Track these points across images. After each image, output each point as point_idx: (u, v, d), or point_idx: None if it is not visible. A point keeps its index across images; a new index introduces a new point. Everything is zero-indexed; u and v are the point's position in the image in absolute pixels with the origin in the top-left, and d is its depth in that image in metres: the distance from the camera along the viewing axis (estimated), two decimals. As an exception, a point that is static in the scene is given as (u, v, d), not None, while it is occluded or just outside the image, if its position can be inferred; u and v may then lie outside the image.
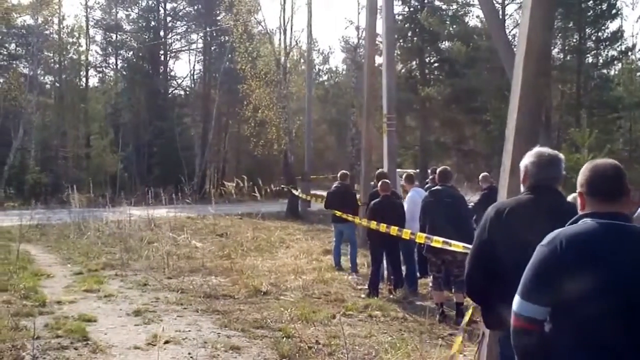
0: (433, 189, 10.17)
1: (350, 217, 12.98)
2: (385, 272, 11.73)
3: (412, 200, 11.42)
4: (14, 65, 45.49)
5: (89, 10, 49.37)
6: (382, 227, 10.46)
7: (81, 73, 48.24)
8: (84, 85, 48.60)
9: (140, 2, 52.00)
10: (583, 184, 2.98)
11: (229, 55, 41.95)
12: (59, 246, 16.81)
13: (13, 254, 14.02)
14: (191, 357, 7.24)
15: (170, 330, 8.21)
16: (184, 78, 56.56)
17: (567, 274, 2.72)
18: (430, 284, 10.01)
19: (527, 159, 3.97)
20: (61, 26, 44.98)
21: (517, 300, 2.86)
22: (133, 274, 12.72)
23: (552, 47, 27.53)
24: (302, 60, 37.71)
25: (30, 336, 7.51)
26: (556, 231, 2.85)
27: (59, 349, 7.34)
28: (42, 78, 47.19)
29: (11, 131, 40.00)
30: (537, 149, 4.00)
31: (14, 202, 32.89)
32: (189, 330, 8.38)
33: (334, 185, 14.49)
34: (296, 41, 34.54)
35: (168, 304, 10.05)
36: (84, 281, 11.70)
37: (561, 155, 3.94)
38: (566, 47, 35.11)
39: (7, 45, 47.23)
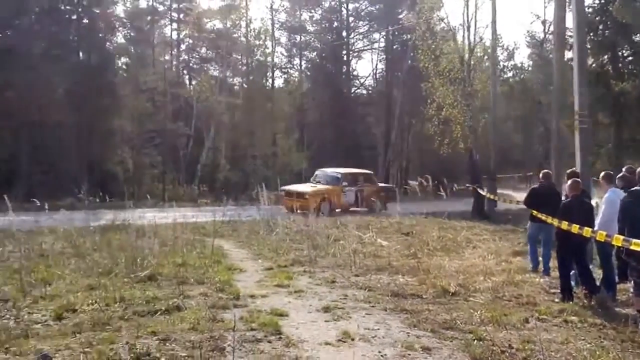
0: (632, 189, 9.52)
1: (543, 217, 12.42)
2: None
3: (610, 201, 10.73)
4: (205, 68, 47.90)
5: (274, 13, 51.21)
6: (574, 228, 9.97)
7: (267, 74, 49.92)
8: (270, 86, 50.27)
9: (323, 3, 53.12)
10: None
11: (411, 54, 41.91)
12: (249, 242, 17.33)
13: (208, 249, 14.68)
14: (382, 356, 7.21)
15: (359, 328, 8.23)
16: (367, 77, 57.32)
17: None
18: (631, 290, 9.43)
19: None
20: (248, 29, 47.00)
21: None
22: (321, 270, 12.90)
23: None
24: (486, 57, 36.95)
25: (228, 328, 7.77)
26: None
27: (254, 342, 7.53)
28: (231, 80, 49.38)
29: (203, 131, 42.02)
30: None
31: (206, 198, 34.51)
32: (378, 329, 8.36)
33: (539, 184, 13.99)
34: (480, 37, 33.81)
35: (356, 301, 10.09)
36: (275, 276, 11.99)
37: None
38: None
39: (198, 49, 49.77)
